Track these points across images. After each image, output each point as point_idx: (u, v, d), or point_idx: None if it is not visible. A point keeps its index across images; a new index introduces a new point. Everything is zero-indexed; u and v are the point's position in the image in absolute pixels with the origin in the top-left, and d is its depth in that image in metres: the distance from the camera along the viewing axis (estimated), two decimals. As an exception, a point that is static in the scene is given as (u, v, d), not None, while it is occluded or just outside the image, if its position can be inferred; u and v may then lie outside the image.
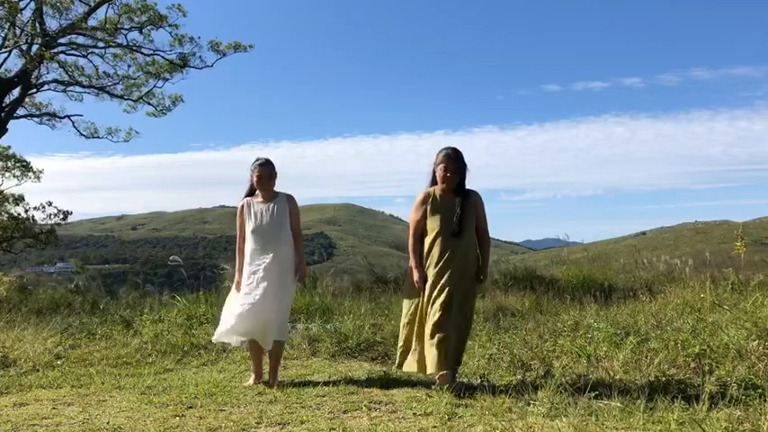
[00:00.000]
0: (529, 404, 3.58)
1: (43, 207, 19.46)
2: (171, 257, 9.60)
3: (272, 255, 4.52)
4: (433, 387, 4.12)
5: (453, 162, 4.18)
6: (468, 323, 4.26)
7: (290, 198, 4.70)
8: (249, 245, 4.63)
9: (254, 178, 4.63)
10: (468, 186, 4.29)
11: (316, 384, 4.51)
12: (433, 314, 4.08)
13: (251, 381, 4.57)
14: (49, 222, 19.52)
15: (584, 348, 4.68)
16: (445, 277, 4.11)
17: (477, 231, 4.28)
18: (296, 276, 4.63)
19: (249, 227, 4.62)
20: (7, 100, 15.48)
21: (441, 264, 4.14)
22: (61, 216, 19.90)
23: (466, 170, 4.24)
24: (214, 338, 4.74)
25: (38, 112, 16.96)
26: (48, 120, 17.02)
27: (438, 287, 4.12)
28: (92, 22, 15.45)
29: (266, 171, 4.63)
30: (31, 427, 3.57)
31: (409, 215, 4.37)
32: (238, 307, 4.49)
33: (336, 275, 11.00)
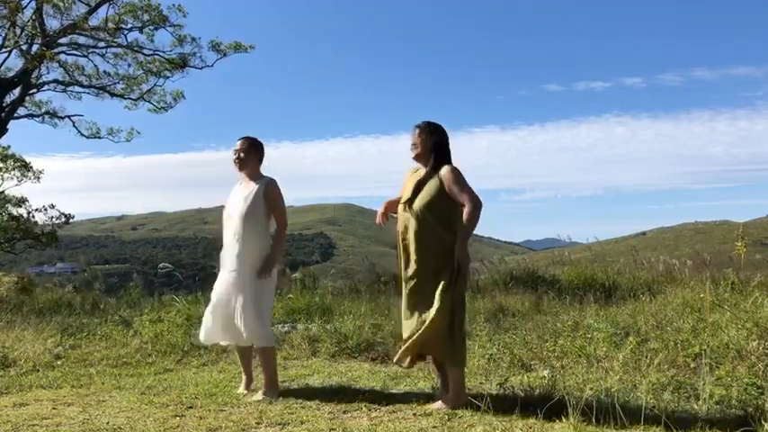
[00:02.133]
0: (529, 404, 3.57)
1: (45, 209, 19.46)
2: (161, 264, 9.60)
3: (237, 248, 4.10)
4: (434, 387, 4.12)
5: (420, 132, 3.87)
6: (438, 315, 3.62)
7: (269, 182, 4.19)
8: (224, 233, 4.25)
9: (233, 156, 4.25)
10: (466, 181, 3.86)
11: (316, 384, 4.51)
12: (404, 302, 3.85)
13: (242, 387, 4.31)
14: (51, 224, 19.51)
15: (584, 348, 4.67)
16: (405, 260, 3.83)
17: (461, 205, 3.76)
18: (264, 271, 4.08)
19: (225, 213, 4.27)
20: (8, 99, 15.47)
21: (401, 243, 3.85)
22: (63, 219, 19.90)
23: (442, 143, 3.86)
24: (202, 340, 4.40)
25: (39, 112, 16.95)
26: (50, 119, 17.02)
27: (404, 271, 3.85)
28: (93, 22, 15.45)
29: (241, 145, 4.24)
30: (31, 428, 3.57)
31: None
32: (210, 307, 4.27)
33: (336, 275, 11.01)
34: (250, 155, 4.26)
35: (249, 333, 4.06)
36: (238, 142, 4.29)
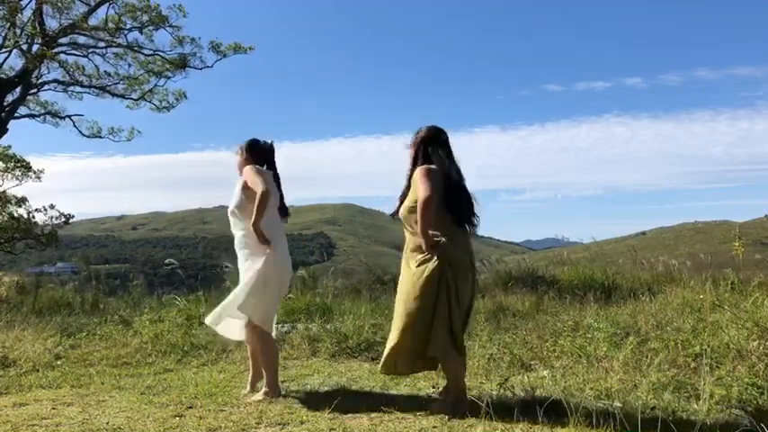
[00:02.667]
0: (529, 404, 3.57)
1: (45, 209, 19.45)
2: (167, 260, 9.67)
3: (236, 243, 4.26)
4: (434, 387, 4.13)
5: (413, 140, 3.88)
6: (405, 320, 3.63)
7: (244, 171, 4.22)
8: None
9: None
10: (467, 184, 3.82)
11: (316, 384, 4.51)
12: None
13: (248, 387, 4.32)
14: (51, 224, 19.51)
15: (584, 348, 4.67)
16: None
17: None
18: (263, 241, 4.06)
19: None
20: (9, 99, 15.46)
21: None
22: (63, 219, 19.89)
23: (425, 145, 3.78)
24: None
25: (41, 111, 16.94)
26: (51, 118, 17.01)
27: None
28: (92, 22, 15.45)
29: (237, 157, 4.39)
30: (30, 428, 3.57)
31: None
32: None
33: (336, 275, 11.00)
34: (243, 160, 4.33)
35: (239, 302, 4.07)
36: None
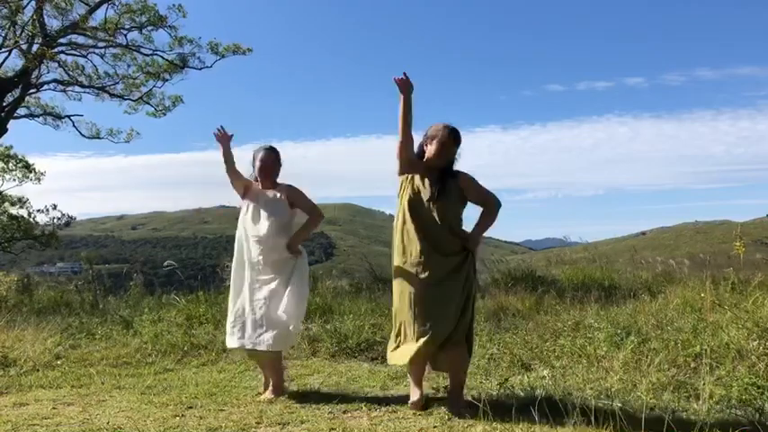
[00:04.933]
0: (529, 404, 3.57)
1: (47, 210, 19.48)
2: (165, 262, 9.64)
3: None
4: (433, 388, 4.12)
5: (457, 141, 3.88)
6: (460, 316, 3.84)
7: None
8: None
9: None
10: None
11: (316, 384, 4.51)
12: None
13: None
14: (52, 225, 19.54)
15: (585, 348, 4.67)
16: None
17: None
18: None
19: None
20: (9, 98, 15.45)
21: None
22: (65, 220, 19.92)
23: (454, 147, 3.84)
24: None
25: (41, 112, 16.95)
26: (52, 120, 17.03)
27: None
28: (92, 22, 15.43)
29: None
30: (31, 427, 3.57)
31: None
32: None
33: (336, 275, 11.00)
34: (275, 167, 4.30)
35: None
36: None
